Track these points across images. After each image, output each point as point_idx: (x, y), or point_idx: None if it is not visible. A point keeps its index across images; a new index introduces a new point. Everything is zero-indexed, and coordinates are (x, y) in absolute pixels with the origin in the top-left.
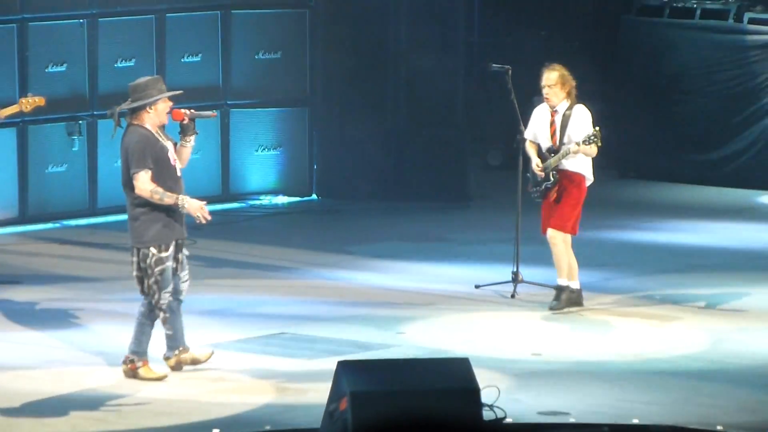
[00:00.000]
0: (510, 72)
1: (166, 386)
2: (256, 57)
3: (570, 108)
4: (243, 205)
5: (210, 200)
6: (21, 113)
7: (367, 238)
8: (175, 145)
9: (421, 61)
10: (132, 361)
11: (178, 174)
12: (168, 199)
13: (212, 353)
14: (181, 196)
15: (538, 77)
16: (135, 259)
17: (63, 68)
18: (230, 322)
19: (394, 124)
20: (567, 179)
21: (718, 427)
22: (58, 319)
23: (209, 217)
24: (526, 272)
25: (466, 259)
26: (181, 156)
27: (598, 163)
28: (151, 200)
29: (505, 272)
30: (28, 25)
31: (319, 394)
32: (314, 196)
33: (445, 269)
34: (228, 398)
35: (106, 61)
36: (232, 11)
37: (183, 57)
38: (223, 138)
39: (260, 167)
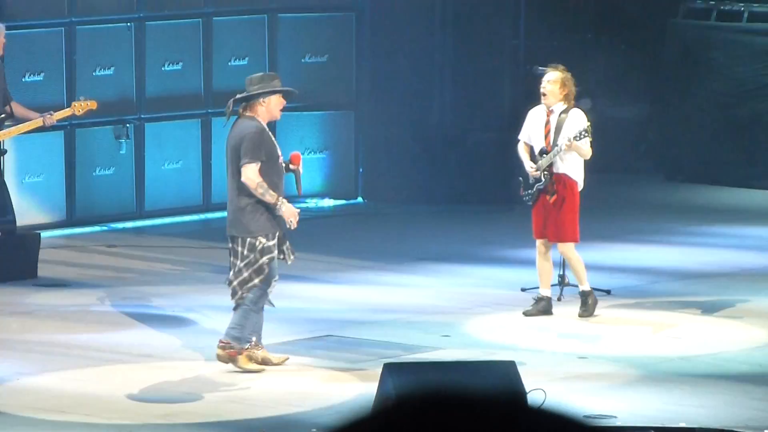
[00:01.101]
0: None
1: (212, 383)
2: (303, 60)
3: (566, 111)
4: None
5: None
6: (73, 116)
7: (412, 241)
8: None
9: (466, 64)
10: (232, 348)
11: (283, 171)
12: (269, 197)
13: (287, 358)
14: (281, 198)
15: (583, 80)
16: (239, 248)
17: (111, 71)
18: (277, 325)
19: (439, 128)
20: (561, 184)
21: (766, 431)
22: (106, 322)
23: (296, 226)
24: (572, 275)
25: (511, 263)
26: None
27: (644, 167)
28: (254, 192)
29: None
30: (75, 29)
31: (365, 396)
32: (360, 199)
33: (491, 272)
34: (274, 399)
35: (154, 65)
36: (279, 14)
37: (230, 60)
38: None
39: (306, 170)
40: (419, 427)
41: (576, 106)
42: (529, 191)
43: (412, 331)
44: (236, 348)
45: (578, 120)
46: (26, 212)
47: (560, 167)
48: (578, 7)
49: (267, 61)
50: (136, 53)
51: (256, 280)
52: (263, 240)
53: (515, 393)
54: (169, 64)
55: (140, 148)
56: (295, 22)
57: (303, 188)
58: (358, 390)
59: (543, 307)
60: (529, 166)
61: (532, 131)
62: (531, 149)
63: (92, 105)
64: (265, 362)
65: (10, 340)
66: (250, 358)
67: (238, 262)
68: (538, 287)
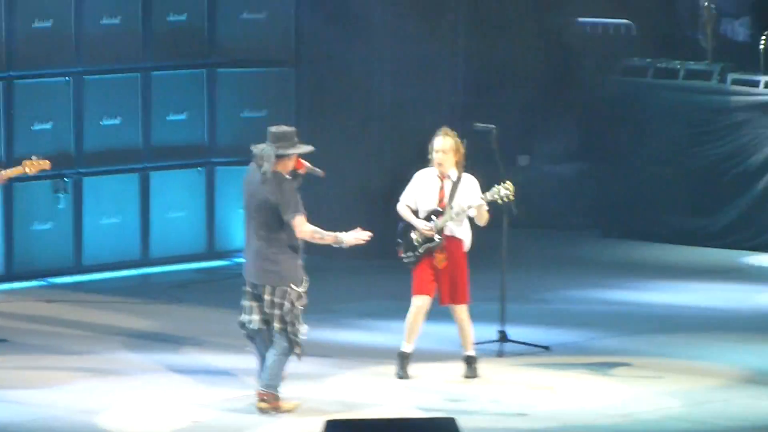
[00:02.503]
0: (495, 131)
1: None
2: (242, 115)
3: (459, 176)
4: (228, 262)
5: (196, 258)
6: (24, 175)
7: (351, 297)
8: None
9: (404, 121)
10: (272, 398)
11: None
12: (328, 238)
13: (299, 405)
14: (337, 234)
15: (521, 136)
16: (269, 297)
17: (49, 126)
18: (214, 383)
19: (374, 182)
20: (455, 246)
21: None
22: (45, 377)
23: (366, 238)
24: (512, 331)
25: (452, 319)
26: None
27: (581, 223)
28: (312, 240)
29: (491, 331)
30: (13, 83)
31: None
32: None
33: (431, 327)
34: None
35: (92, 119)
36: (218, 70)
37: (168, 115)
38: (208, 195)
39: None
40: None
41: (516, 163)
42: (415, 252)
43: (353, 386)
44: (276, 395)
45: (473, 184)
46: None
47: (453, 230)
48: (515, 63)
49: (206, 115)
50: (75, 107)
51: (285, 327)
52: (295, 287)
53: None
54: (107, 118)
55: (78, 202)
56: (234, 76)
57: (243, 243)
58: None
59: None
60: (423, 225)
61: (420, 194)
62: (414, 212)
63: (46, 165)
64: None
65: None
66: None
67: (267, 309)
68: (478, 343)
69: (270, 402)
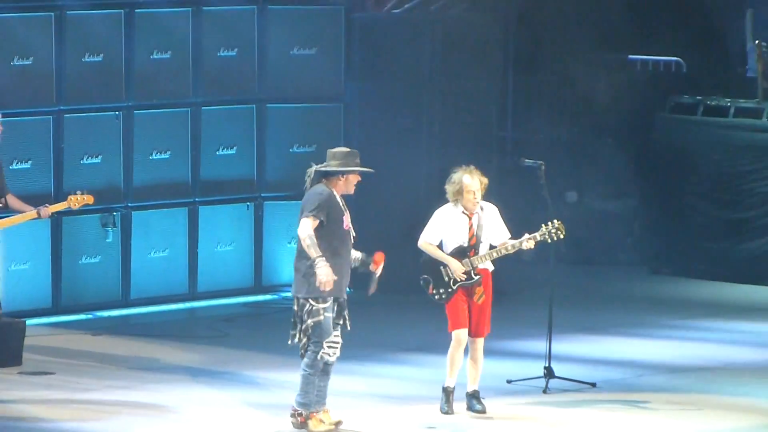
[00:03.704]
0: (543, 167)
1: None
2: (291, 150)
3: (481, 208)
4: (275, 296)
5: (243, 292)
6: (68, 209)
7: (403, 331)
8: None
9: (453, 157)
10: (300, 415)
11: (350, 240)
12: (313, 251)
13: (341, 421)
14: (318, 258)
15: (570, 173)
16: (295, 308)
17: (98, 160)
18: (261, 415)
19: (423, 218)
20: (486, 279)
21: None
22: (91, 410)
23: (327, 288)
24: (558, 368)
25: (498, 355)
26: None
27: (630, 260)
28: (302, 244)
29: (537, 367)
30: (63, 117)
31: None
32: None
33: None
34: None
35: (141, 154)
36: (267, 105)
37: (218, 150)
38: (256, 230)
39: (293, 259)
40: None
41: (564, 198)
42: (447, 289)
43: (397, 420)
44: (304, 414)
45: (496, 215)
46: (12, 300)
47: (487, 264)
48: (564, 100)
49: (255, 150)
50: (124, 142)
51: (309, 343)
52: (314, 303)
53: None
54: (156, 153)
55: (127, 236)
56: (284, 111)
57: (290, 277)
58: None
59: (470, 403)
60: (457, 265)
61: (448, 232)
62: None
63: (89, 200)
64: (322, 422)
65: None
66: (321, 421)
67: (295, 322)
68: (524, 379)
69: (296, 417)
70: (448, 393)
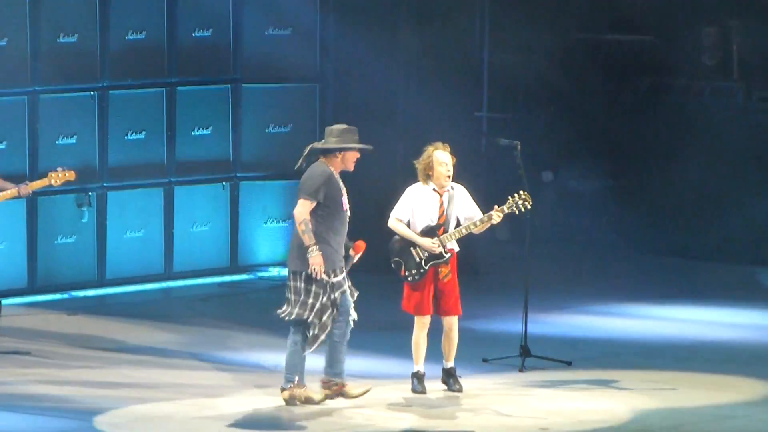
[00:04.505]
0: (519, 147)
1: None
2: (266, 130)
3: (451, 187)
4: (251, 276)
5: (219, 272)
6: (50, 187)
7: (373, 310)
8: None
9: (428, 135)
10: (336, 384)
11: (347, 219)
12: (307, 237)
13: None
14: (313, 247)
15: (545, 152)
16: (300, 284)
17: (73, 140)
18: (238, 395)
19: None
20: (453, 258)
21: None
22: (68, 389)
23: (318, 277)
24: (534, 346)
25: (474, 333)
26: None
27: (606, 240)
28: (297, 226)
29: (513, 346)
30: (38, 97)
31: None
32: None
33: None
34: None
35: (117, 134)
36: (242, 85)
37: (193, 130)
38: (232, 210)
39: (269, 239)
40: None
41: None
42: (419, 270)
43: (371, 401)
44: (339, 382)
45: (466, 195)
46: None
47: (453, 243)
48: (540, 81)
49: (231, 130)
50: (99, 122)
51: (310, 318)
52: (325, 276)
53: None
54: (132, 133)
55: (102, 216)
56: (259, 92)
57: (266, 256)
58: None
59: (447, 381)
60: (428, 242)
61: (418, 210)
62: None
63: (71, 176)
64: (308, 401)
65: None
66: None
67: (300, 297)
68: (500, 358)
69: (332, 387)
70: (419, 377)
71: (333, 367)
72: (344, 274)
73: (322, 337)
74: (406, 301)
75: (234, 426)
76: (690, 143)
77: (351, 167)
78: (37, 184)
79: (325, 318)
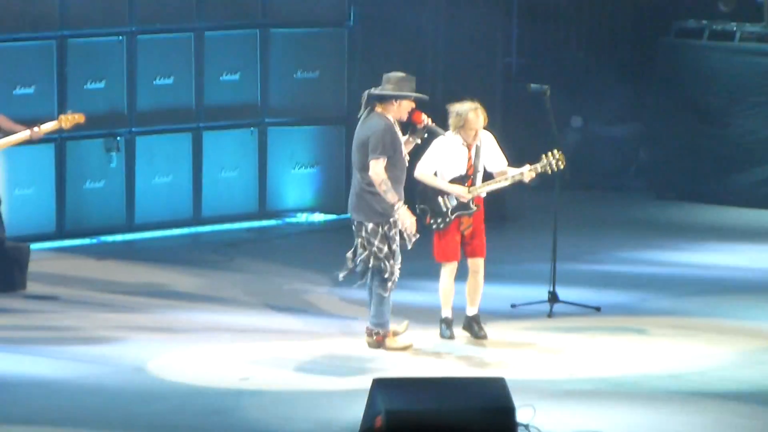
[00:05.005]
0: (548, 92)
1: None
2: (294, 76)
3: (479, 139)
4: (279, 222)
5: (247, 217)
6: (60, 130)
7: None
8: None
9: (458, 81)
10: (378, 333)
11: (406, 166)
12: (390, 196)
13: (407, 323)
14: (400, 203)
15: (574, 98)
16: (363, 234)
17: (102, 85)
18: (264, 340)
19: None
20: (479, 212)
21: None
22: (96, 334)
23: (413, 236)
24: (562, 292)
25: (502, 279)
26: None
27: (635, 186)
28: (377, 188)
29: (541, 292)
30: (67, 42)
31: (353, 412)
32: (354, 211)
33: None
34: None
35: (145, 79)
36: (271, 30)
37: (222, 75)
38: (260, 155)
39: (297, 185)
40: None
41: (570, 123)
42: (445, 219)
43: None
44: (381, 332)
45: (493, 143)
46: (16, 224)
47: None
48: (569, 26)
49: (259, 75)
50: (128, 67)
51: (381, 265)
52: (385, 227)
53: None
54: (160, 78)
55: (131, 161)
56: (287, 37)
57: (294, 202)
58: (348, 406)
59: (471, 328)
60: (461, 190)
61: (446, 162)
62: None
63: (80, 118)
64: (395, 334)
65: None
66: (396, 338)
67: (360, 247)
68: (528, 303)
69: (373, 337)
70: (447, 322)
71: (374, 317)
72: (397, 228)
73: (389, 284)
74: (435, 249)
75: (262, 365)
76: (719, 89)
77: (405, 116)
78: (48, 128)
79: (391, 264)
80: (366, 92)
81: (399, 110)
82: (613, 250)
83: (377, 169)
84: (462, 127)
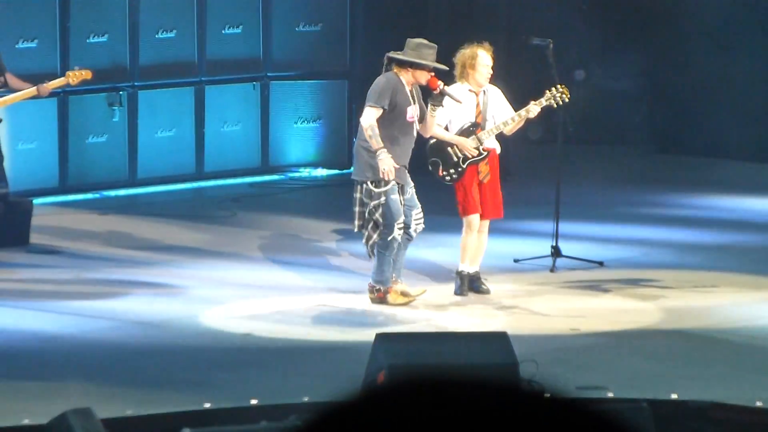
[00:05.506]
0: (551, 46)
1: None
2: (297, 29)
3: (485, 89)
4: (282, 177)
5: (250, 172)
6: (68, 86)
7: None
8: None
9: (459, 34)
10: (378, 290)
11: (412, 131)
12: (374, 142)
13: (425, 291)
14: (380, 150)
15: (577, 51)
16: (357, 195)
17: (104, 39)
18: (267, 295)
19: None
20: (492, 159)
21: (758, 403)
22: (99, 289)
23: (391, 180)
24: (565, 247)
25: (505, 234)
26: (426, 123)
27: (639, 139)
28: (364, 134)
29: (544, 247)
30: None
31: (356, 366)
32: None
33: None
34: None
35: (147, 32)
36: None
37: (224, 29)
38: (263, 110)
39: (299, 139)
40: (411, 410)
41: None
42: (457, 169)
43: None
44: (382, 289)
45: (500, 95)
46: (19, 179)
47: (490, 142)
48: None
49: (261, 29)
50: (130, 20)
51: (379, 224)
52: (375, 187)
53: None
54: (162, 32)
55: (133, 115)
56: None
57: (296, 157)
58: (350, 360)
59: (473, 285)
60: (468, 142)
61: (456, 111)
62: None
63: (87, 74)
64: (404, 295)
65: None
66: (399, 295)
67: (356, 208)
68: (531, 258)
69: (374, 293)
70: (463, 277)
71: (374, 273)
72: (391, 186)
73: (389, 239)
74: (460, 205)
75: (265, 320)
76: (724, 42)
77: (423, 82)
78: (55, 84)
79: (389, 221)
80: (387, 55)
81: (414, 76)
82: (617, 204)
83: (365, 115)
84: (471, 66)
